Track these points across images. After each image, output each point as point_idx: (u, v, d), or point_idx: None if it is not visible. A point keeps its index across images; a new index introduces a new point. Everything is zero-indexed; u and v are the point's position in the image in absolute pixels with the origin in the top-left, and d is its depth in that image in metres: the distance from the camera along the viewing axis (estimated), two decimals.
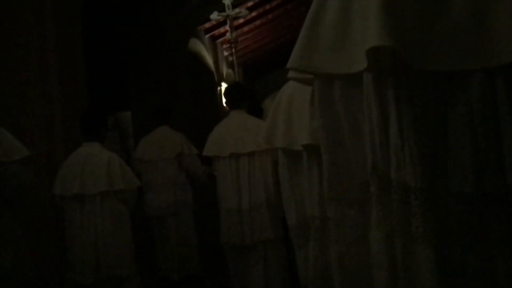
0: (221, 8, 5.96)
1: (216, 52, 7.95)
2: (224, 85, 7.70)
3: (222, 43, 8.16)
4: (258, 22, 7.92)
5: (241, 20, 6.90)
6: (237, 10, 6.01)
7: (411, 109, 0.71)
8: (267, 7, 7.49)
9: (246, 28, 7.86)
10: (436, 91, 0.72)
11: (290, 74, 0.91)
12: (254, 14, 7.34)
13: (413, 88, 0.72)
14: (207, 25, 7.03)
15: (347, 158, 0.80)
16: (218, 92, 7.61)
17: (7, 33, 2.77)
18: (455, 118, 0.71)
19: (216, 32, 7.56)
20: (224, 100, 3.10)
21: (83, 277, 2.25)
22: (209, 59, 7.44)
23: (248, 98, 3.11)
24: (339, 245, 0.80)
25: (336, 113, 0.80)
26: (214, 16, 5.96)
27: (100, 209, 2.34)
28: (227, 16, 5.93)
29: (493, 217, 0.69)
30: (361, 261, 0.77)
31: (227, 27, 6.29)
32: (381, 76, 0.73)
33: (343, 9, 0.77)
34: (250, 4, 7.03)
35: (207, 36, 7.43)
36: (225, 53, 8.45)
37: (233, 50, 6.40)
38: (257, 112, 3.38)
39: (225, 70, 8.43)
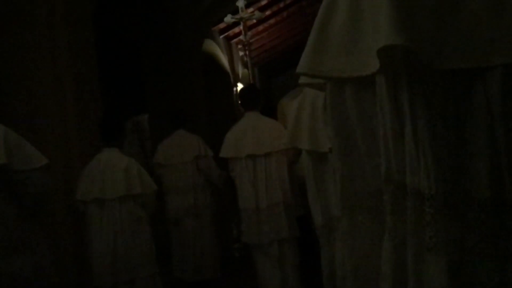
0: (234, 9, 5.98)
1: (231, 53, 7.98)
2: (240, 86, 7.71)
3: (237, 44, 8.17)
4: (272, 21, 7.89)
5: (255, 20, 6.90)
6: (250, 9, 6.02)
7: (426, 111, 0.68)
8: (281, 5, 7.45)
9: (260, 28, 7.85)
10: (453, 91, 0.69)
11: (301, 80, 0.89)
12: (268, 13, 7.31)
13: (428, 89, 0.69)
14: (222, 25, 7.05)
15: (361, 165, 0.77)
16: (234, 92, 7.63)
17: (18, 36, 2.78)
18: (473, 119, 0.68)
19: (230, 32, 7.58)
20: (239, 101, 3.12)
21: (103, 279, 2.30)
22: (224, 60, 7.47)
23: (262, 99, 3.13)
24: (354, 256, 0.78)
25: (349, 118, 0.78)
26: (228, 19, 6.00)
27: (119, 212, 2.39)
28: (241, 18, 5.97)
29: (510, 226, 0.66)
30: (378, 272, 0.74)
31: (241, 27, 6.31)
32: (395, 78, 0.71)
33: (353, 10, 0.74)
34: (263, 3, 7.02)
35: (221, 36, 7.45)
36: (240, 53, 8.46)
37: (247, 52, 6.42)
38: (270, 112, 3.38)
39: (240, 70, 8.45)
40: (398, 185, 0.71)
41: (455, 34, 0.67)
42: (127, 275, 2.33)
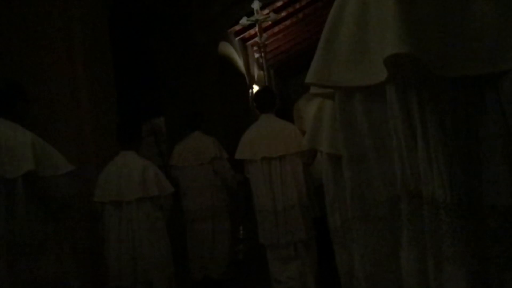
0: (249, 11, 6.00)
1: (246, 55, 8.00)
2: (255, 88, 7.72)
3: (252, 45, 8.19)
4: (288, 22, 7.88)
5: (270, 22, 6.90)
6: (265, 11, 6.03)
7: (438, 119, 0.67)
8: (297, 6, 7.43)
9: (276, 29, 7.84)
10: (464, 98, 0.68)
11: (312, 90, 0.89)
12: (283, 14, 7.30)
13: (438, 97, 0.68)
14: (237, 28, 7.09)
15: (371, 174, 0.76)
16: (250, 94, 7.64)
17: (35, 41, 2.81)
18: (486, 126, 0.67)
19: (246, 34, 7.60)
20: (254, 103, 3.13)
21: (121, 280, 2.34)
22: (239, 62, 7.49)
23: (277, 101, 3.13)
24: (366, 264, 0.76)
25: (358, 127, 0.78)
26: (244, 21, 6.04)
27: (137, 214, 2.43)
28: (256, 20, 5.99)
29: None
30: (391, 280, 0.73)
31: (256, 29, 6.33)
32: (405, 86, 0.70)
33: (360, 20, 0.74)
34: (279, 4, 7.01)
35: (237, 38, 7.48)
36: (256, 55, 8.47)
37: (263, 54, 6.44)
38: (285, 114, 3.38)
39: (256, 72, 8.46)
40: (415, 194, 0.70)
41: (463, 40, 0.67)
42: (144, 275, 2.36)
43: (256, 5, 5.87)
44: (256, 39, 6.55)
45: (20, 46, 2.82)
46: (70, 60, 2.85)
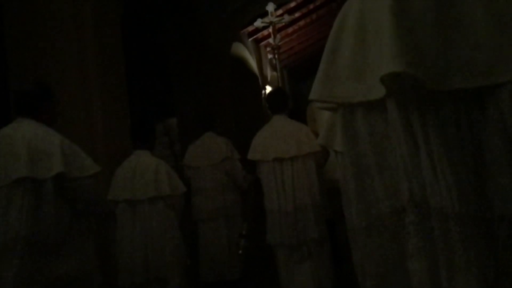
0: (263, 11, 6.01)
1: (259, 56, 8.00)
2: (268, 89, 7.72)
3: (265, 46, 8.19)
4: (302, 23, 7.86)
5: (284, 23, 6.89)
6: (279, 11, 6.04)
7: (440, 130, 0.68)
8: (311, 7, 7.41)
9: (290, 30, 7.83)
10: (466, 109, 0.69)
11: (317, 104, 0.93)
12: (297, 15, 7.29)
13: (440, 108, 0.69)
14: (250, 28, 7.10)
15: (374, 186, 0.78)
16: (262, 95, 7.64)
17: (47, 38, 2.83)
18: (489, 135, 0.67)
19: (259, 35, 7.61)
20: (267, 104, 3.13)
21: (134, 277, 2.37)
22: (252, 63, 7.50)
23: (290, 102, 3.13)
24: (373, 275, 0.77)
25: (361, 141, 0.79)
26: (258, 23, 6.06)
27: (149, 213, 2.45)
28: (270, 22, 6.00)
29: None
30: (400, 286, 0.74)
31: (270, 30, 6.33)
32: (405, 100, 0.71)
33: (359, 36, 0.76)
34: (292, 5, 7.00)
35: (250, 39, 7.50)
36: (269, 56, 8.47)
37: (276, 56, 6.44)
38: (298, 115, 3.37)
39: (269, 73, 8.46)
40: (422, 205, 0.70)
41: (459, 54, 0.67)
42: (156, 272, 2.39)
43: (270, 8, 5.89)
44: (270, 40, 6.55)
45: (31, 45, 2.84)
46: (82, 61, 2.86)
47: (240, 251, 3.28)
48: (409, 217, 0.71)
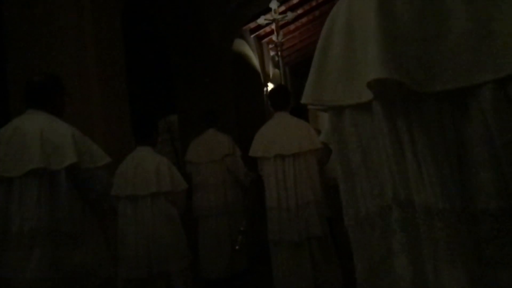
0: (265, 8, 6.00)
1: (262, 52, 7.99)
2: (270, 86, 7.71)
3: (268, 43, 8.17)
4: (304, 20, 7.83)
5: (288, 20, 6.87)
6: (282, 8, 6.03)
7: (425, 130, 0.70)
8: (313, 3, 7.38)
9: (292, 27, 7.81)
10: (450, 107, 0.72)
11: (309, 106, 0.96)
12: (300, 11, 7.26)
13: (424, 111, 0.71)
14: (252, 25, 7.08)
15: (362, 186, 0.81)
16: (264, 92, 7.64)
17: (46, 35, 2.82)
18: (472, 134, 0.70)
19: (261, 32, 7.59)
20: (269, 101, 3.13)
21: (137, 271, 2.38)
22: (254, 60, 7.49)
23: (292, 99, 3.12)
24: (363, 270, 0.81)
25: (349, 142, 0.83)
26: (261, 20, 6.05)
27: (151, 208, 2.47)
28: (273, 19, 6.00)
29: None
30: (384, 286, 0.78)
31: (273, 27, 6.32)
32: (391, 101, 0.74)
33: (347, 40, 0.79)
34: (295, 1, 6.98)
35: (252, 36, 7.48)
36: (271, 53, 8.45)
37: (279, 53, 6.43)
38: (300, 112, 3.36)
39: (271, 70, 8.44)
40: (406, 204, 0.73)
41: (442, 56, 0.70)
42: (159, 267, 2.40)
43: (274, 5, 5.88)
44: (273, 37, 6.53)
45: (32, 41, 2.83)
46: (81, 57, 2.85)
47: (237, 247, 3.29)
48: (393, 214, 0.75)
